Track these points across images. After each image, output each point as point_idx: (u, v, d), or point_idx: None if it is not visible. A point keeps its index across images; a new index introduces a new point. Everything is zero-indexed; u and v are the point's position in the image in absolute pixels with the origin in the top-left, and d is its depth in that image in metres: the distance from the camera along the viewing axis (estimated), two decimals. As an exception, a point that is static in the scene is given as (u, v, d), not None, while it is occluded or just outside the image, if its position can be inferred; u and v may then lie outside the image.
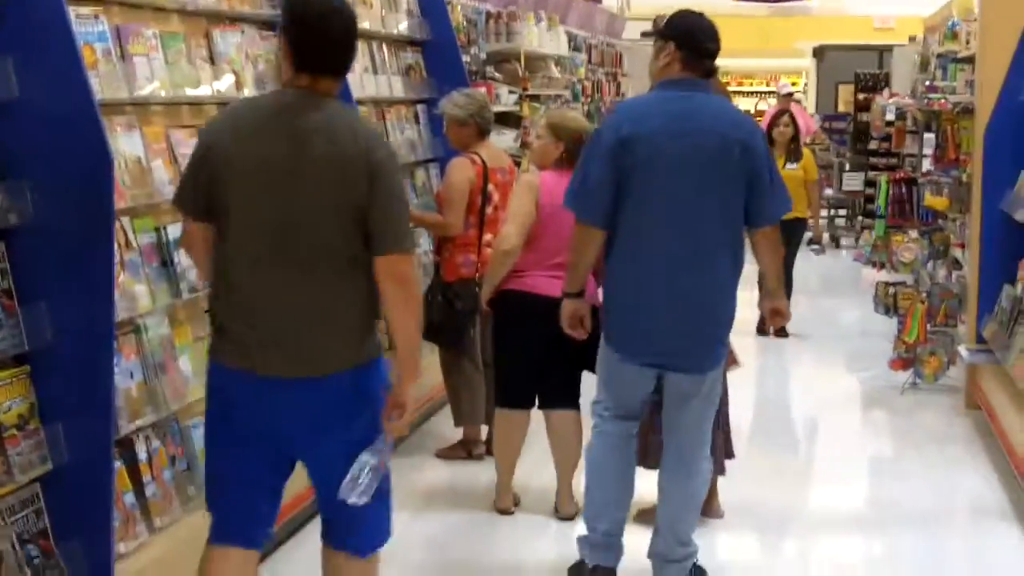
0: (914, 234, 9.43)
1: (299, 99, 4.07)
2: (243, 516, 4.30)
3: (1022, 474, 6.76)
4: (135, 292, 4.90)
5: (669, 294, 5.16)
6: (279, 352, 4.06)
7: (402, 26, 8.25)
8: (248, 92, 5.98)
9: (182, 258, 5.23)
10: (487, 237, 6.91)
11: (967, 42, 10.51)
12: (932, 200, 9.35)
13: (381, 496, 4.22)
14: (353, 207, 4.02)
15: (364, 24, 7.34)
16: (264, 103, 4.24)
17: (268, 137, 4.03)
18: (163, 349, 5.17)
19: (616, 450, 5.50)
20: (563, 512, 6.48)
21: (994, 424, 7.72)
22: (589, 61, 15.23)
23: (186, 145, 5.42)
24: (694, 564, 5.58)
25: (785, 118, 11.33)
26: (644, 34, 5.62)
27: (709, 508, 6.33)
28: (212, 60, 5.81)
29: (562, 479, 6.50)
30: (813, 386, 9.91)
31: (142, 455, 5.01)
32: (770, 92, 28.25)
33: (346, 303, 4.10)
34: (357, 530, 4.31)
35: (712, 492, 6.35)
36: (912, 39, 18.48)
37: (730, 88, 26.07)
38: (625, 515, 5.63)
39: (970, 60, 10.36)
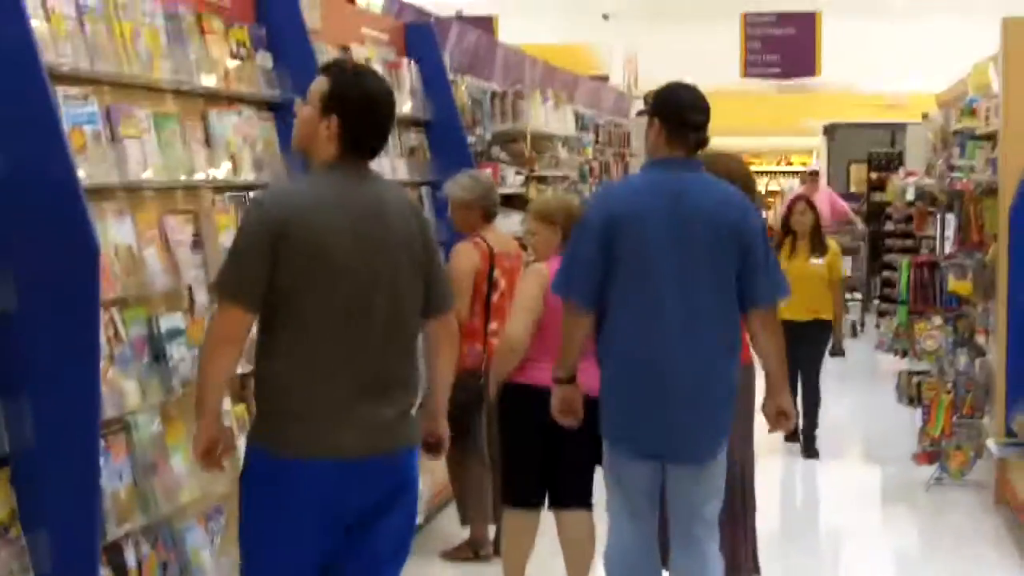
0: (937, 320, 9.11)
1: (360, 178, 4.14)
2: None
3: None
4: (124, 388, 4.61)
5: (665, 382, 5.00)
6: (364, 430, 4.03)
7: (406, 107, 7.99)
8: (246, 176, 5.73)
9: (175, 351, 4.96)
10: (493, 326, 6.65)
11: (986, 118, 10.26)
12: (956, 284, 9.04)
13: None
14: (419, 277, 4.18)
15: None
16: (327, 184, 4.10)
17: (351, 218, 4.03)
18: (155, 448, 4.88)
19: (639, 560, 5.26)
20: None
21: (1026, 521, 7.41)
22: (596, 141, 14.98)
23: (181, 232, 5.18)
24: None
25: (801, 205, 10.15)
26: (639, 113, 5.44)
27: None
28: (208, 142, 5.55)
29: None
30: (834, 482, 9.54)
31: (131, 562, 4.71)
32: (782, 172, 28.04)
33: (413, 375, 4.23)
34: None
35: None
36: (925, 116, 18.29)
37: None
38: None
39: (990, 137, 10.14)
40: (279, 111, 6.23)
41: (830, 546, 8.22)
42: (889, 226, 15.35)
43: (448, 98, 8.53)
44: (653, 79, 18.60)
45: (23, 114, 4.11)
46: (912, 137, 18.01)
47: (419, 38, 8.51)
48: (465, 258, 6.73)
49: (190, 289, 5.29)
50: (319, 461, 3.97)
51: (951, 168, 11.14)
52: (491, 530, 7.04)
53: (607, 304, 5.06)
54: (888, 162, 18.52)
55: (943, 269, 9.32)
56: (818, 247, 10.06)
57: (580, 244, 5.12)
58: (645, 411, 5.05)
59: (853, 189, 21.20)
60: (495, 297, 6.72)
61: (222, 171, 5.55)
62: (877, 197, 18.31)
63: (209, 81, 5.52)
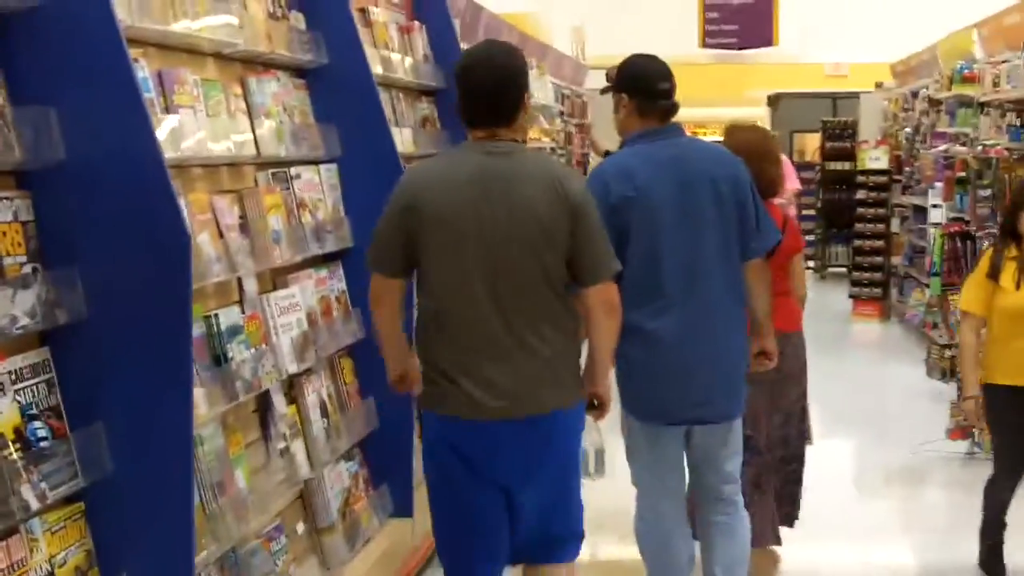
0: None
1: (488, 152, 4.32)
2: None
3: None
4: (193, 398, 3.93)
5: (694, 346, 4.97)
6: (502, 394, 4.24)
7: (420, 72, 7.31)
8: (286, 150, 5.08)
9: (235, 352, 4.32)
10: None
11: (994, 84, 9.83)
12: (990, 256, 8.56)
13: (580, 506, 4.59)
14: (552, 247, 4.27)
15: (383, 71, 6.49)
16: (456, 159, 4.39)
17: (475, 189, 4.24)
18: (220, 464, 4.23)
19: (673, 530, 5.28)
20: None
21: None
22: (562, 112, 14.37)
23: (229, 214, 4.52)
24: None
25: None
26: (603, 91, 5.02)
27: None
28: (249, 112, 4.89)
29: None
30: (865, 457, 9.04)
31: (204, 598, 4.07)
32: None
33: (545, 344, 4.32)
34: (565, 542, 4.59)
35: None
36: (879, 85, 18.02)
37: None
38: None
39: (995, 105, 9.76)
40: (313, 77, 5.58)
41: (859, 522, 7.65)
42: (860, 194, 14.87)
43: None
44: (601, 49, 18.13)
45: (92, 76, 3.43)
46: (866, 106, 17.73)
47: (427, 2, 7.81)
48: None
49: (239, 280, 4.66)
50: (454, 419, 4.27)
51: (939, 136, 10.73)
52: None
53: (625, 279, 4.82)
54: (842, 131, 18.19)
55: (978, 239, 8.83)
56: None
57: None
58: (680, 379, 5.00)
59: (796, 159, 20.87)
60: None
61: (269, 145, 4.90)
62: (832, 166, 18.03)
63: (253, 43, 4.85)
